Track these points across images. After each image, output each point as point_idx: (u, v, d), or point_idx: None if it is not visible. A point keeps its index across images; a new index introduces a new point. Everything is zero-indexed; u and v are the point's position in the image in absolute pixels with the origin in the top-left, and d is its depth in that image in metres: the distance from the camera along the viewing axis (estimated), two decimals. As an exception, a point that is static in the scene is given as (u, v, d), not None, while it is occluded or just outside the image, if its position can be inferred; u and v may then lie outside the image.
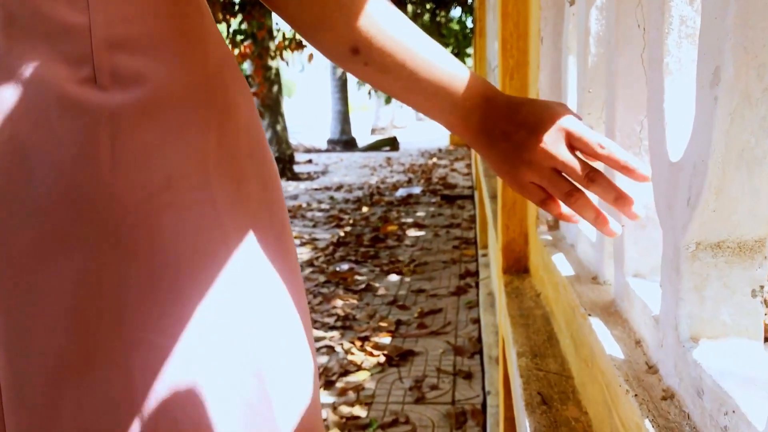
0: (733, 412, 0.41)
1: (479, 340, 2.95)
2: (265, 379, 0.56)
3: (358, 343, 2.98)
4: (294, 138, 14.24)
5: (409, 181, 8.32)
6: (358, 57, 0.62)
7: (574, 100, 1.04)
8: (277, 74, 9.36)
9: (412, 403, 2.42)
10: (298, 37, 8.72)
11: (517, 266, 1.35)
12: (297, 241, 5.02)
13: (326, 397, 2.50)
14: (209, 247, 0.53)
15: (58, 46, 0.49)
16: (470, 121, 0.65)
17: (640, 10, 0.70)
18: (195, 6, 0.57)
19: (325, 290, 3.81)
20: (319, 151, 13.88)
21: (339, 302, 3.57)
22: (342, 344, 2.99)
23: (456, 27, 12.92)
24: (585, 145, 0.61)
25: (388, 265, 4.31)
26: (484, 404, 2.38)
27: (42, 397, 0.50)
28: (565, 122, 0.61)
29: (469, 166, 9.39)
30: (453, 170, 9.34)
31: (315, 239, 5.16)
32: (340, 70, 13.47)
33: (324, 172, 9.85)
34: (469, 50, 12.68)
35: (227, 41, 8.12)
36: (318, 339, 3.04)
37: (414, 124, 24.26)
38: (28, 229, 0.49)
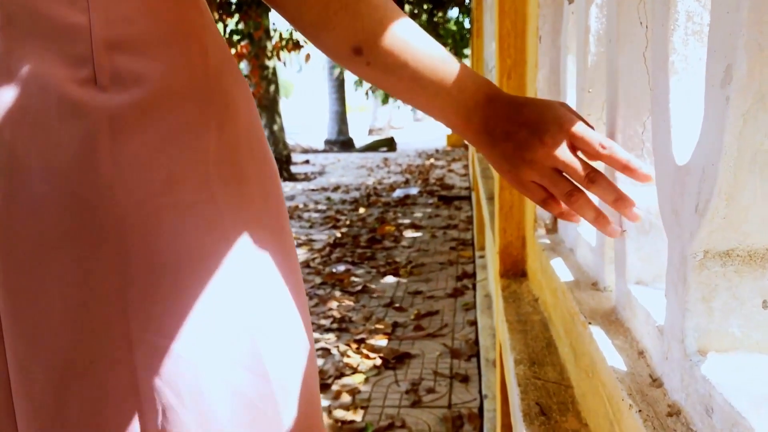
0: (746, 433, 0.38)
1: (476, 342, 2.93)
2: (269, 377, 0.56)
3: (354, 346, 2.95)
4: (291, 138, 14.21)
5: (407, 182, 8.29)
6: (360, 57, 0.62)
7: (573, 100, 1.02)
8: (274, 74, 9.34)
9: (408, 407, 2.40)
10: (295, 37, 8.71)
11: (514, 270, 1.33)
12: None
13: (321, 401, 2.47)
14: (210, 247, 0.53)
15: (58, 47, 0.49)
16: (472, 120, 0.66)
17: (643, 7, 0.67)
18: (194, 6, 0.56)
19: (321, 292, 3.79)
20: (316, 151, 13.86)
21: (335, 304, 3.54)
22: (338, 346, 2.96)
23: (453, 28, 12.90)
24: (586, 145, 0.61)
25: (384, 266, 4.28)
26: (480, 408, 2.35)
27: (49, 397, 0.50)
28: (567, 122, 0.62)
29: (466, 167, 9.37)
30: (450, 171, 9.32)
31: (311, 240, 5.14)
32: (337, 71, 13.45)
33: (321, 173, 9.82)
34: (467, 51, 12.66)
35: (225, 42, 8.11)
36: (314, 341, 3.01)
37: (411, 125, 24.25)
38: (29, 231, 0.49)
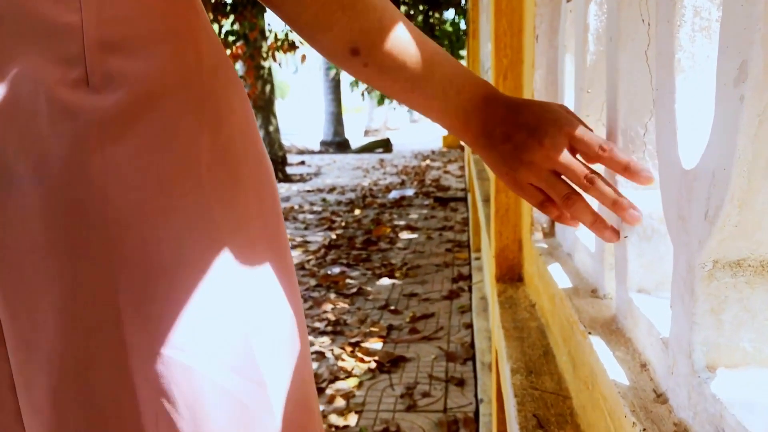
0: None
1: (472, 345, 2.90)
2: (265, 384, 0.55)
3: (349, 349, 2.92)
4: (287, 139, 14.19)
5: (402, 183, 8.27)
6: (357, 58, 0.62)
7: (572, 100, 0.99)
8: (270, 75, 9.30)
9: (403, 411, 2.37)
10: (290, 38, 8.68)
11: (510, 274, 1.30)
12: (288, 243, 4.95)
13: (315, 406, 2.44)
14: (203, 252, 0.52)
15: (50, 47, 0.48)
16: (470, 122, 0.65)
17: (645, 4, 0.65)
18: (189, 6, 0.55)
19: (315, 294, 3.75)
20: (311, 152, 13.82)
21: (330, 307, 3.51)
22: (332, 350, 2.93)
23: (449, 29, 12.88)
24: (586, 147, 0.61)
25: (380, 268, 4.25)
26: (476, 413, 2.32)
27: (47, 402, 0.50)
28: (566, 124, 0.61)
29: (462, 168, 9.35)
30: (446, 172, 9.30)
31: (306, 242, 5.10)
32: (333, 72, 13.42)
33: (317, 174, 9.79)
34: (463, 52, 12.64)
35: (220, 42, 8.09)
36: (309, 345, 2.97)
37: (407, 126, 24.24)
38: (19, 236, 0.48)
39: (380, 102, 16.11)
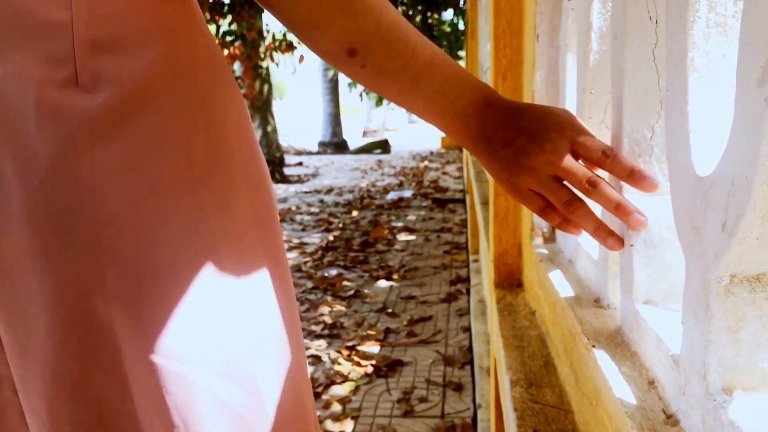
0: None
1: (470, 349, 2.86)
2: (261, 393, 0.54)
3: (346, 353, 2.88)
4: (284, 140, 14.15)
5: (400, 185, 8.23)
6: (354, 59, 0.60)
7: (573, 101, 0.96)
8: (267, 75, 9.26)
9: (400, 417, 2.33)
10: (288, 38, 8.66)
11: (510, 280, 1.27)
12: (285, 246, 4.91)
13: (311, 411, 2.40)
14: (197, 257, 0.51)
15: (38, 46, 0.47)
16: (470, 126, 0.64)
17: (653, 0, 0.61)
18: (184, 5, 0.54)
19: (312, 297, 3.72)
20: (309, 153, 13.79)
21: (326, 309, 3.48)
22: (329, 353, 2.89)
23: (447, 29, 12.85)
24: (589, 152, 0.60)
25: (377, 270, 4.22)
26: (474, 418, 2.29)
27: (43, 407, 0.49)
28: (568, 129, 0.60)
29: (460, 169, 9.32)
30: (444, 173, 9.27)
31: (303, 243, 5.07)
32: (331, 72, 13.38)
33: (314, 175, 9.75)
34: (461, 53, 12.62)
35: (216, 42, 8.07)
36: (305, 350, 2.94)
37: (406, 127, 24.22)
38: (8, 241, 0.48)
39: (378, 103, 16.08)
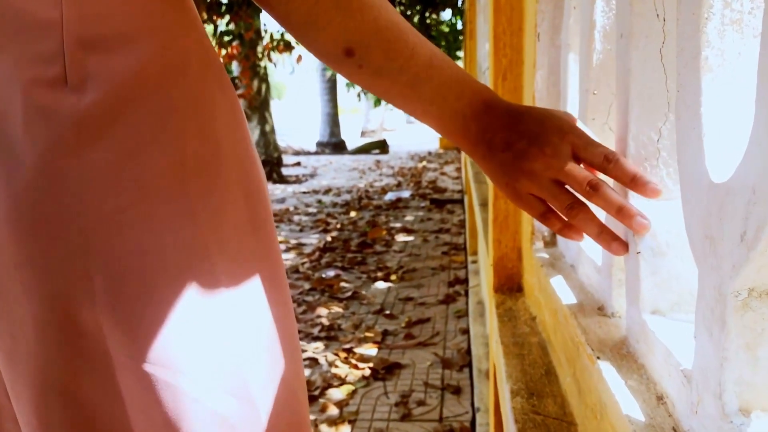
0: None
1: (468, 351, 2.84)
2: (255, 403, 0.52)
3: (343, 355, 2.86)
4: (283, 140, 14.11)
5: (399, 185, 8.20)
6: (352, 59, 0.59)
7: (576, 102, 0.93)
8: (265, 74, 9.23)
9: (397, 420, 2.30)
10: (286, 38, 8.62)
11: (509, 284, 1.24)
12: (282, 246, 4.90)
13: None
14: (188, 264, 0.49)
15: (28, 44, 0.46)
16: (469, 129, 0.63)
17: (660, -4, 0.59)
18: (177, 5, 0.53)
19: (309, 298, 3.69)
20: (307, 153, 13.76)
21: (324, 311, 3.45)
22: (326, 356, 2.86)
23: (446, 29, 12.83)
24: (590, 157, 0.58)
25: (375, 271, 4.19)
26: (473, 422, 2.26)
27: (33, 415, 0.48)
28: (570, 132, 0.59)
29: (458, 169, 9.30)
30: (443, 174, 9.24)
31: (301, 244, 5.04)
32: (329, 72, 13.36)
33: (312, 175, 9.72)
34: (459, 53, 12.60)
35: (214, 42, 8.08)
36: (301, 356, 2.91)
37: (404, 127, 24.20)
38: None
39: (377, 103, 16.06)
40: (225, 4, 7.55)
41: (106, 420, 0.47)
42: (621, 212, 0.57)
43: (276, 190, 8.11)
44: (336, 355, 2.87)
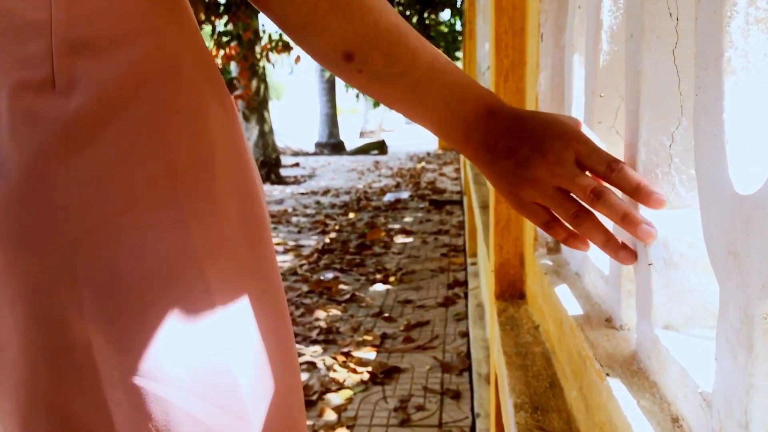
0: None
1: (468, 355, 2.81)
2: (249, 418, 0.51)
3: (341, 359, 2.83)
4: (281, 141, 14.09)
5: (397, 186, 8.17)
6: (351, 63, 0.57)
7: (581, 105, 0.90)
8: (264, 75, 9.20)
9: (396, 426, 2.28)
10: (284, 38, 8.59)
11: (511, 291, 1.21)
12: (280, 248, 4.87)
13: (305, 420, 2.35)
14: (179, 274, 0.48)
15: (15, 46, 0.45)
16: (471, 135, 0.61)
17: (674, -5, 0.56)
18: (171, 7, 0.51)
19: (307, 301, 3.66)
20: (306, 154, 13.73)
21: (322, 314, 3.42)
22: (324, 360, 2.83)
23: (444, 29, 12.80)
24: (594, 164, 0.57)
25: (374, 273, 4.16)
26: (473, 428, 2.23)
27: (17, 428, 0.47)
28: (574, 139, 0.57)
29: (458, 170, 9.27)
30: (442, 175, 9.21)
31: (299, 246, 5.01)
32: (328, 73, 13.33)
33: (311, 176, 9.69)
34: (458, 54, 12.58)
35: (212, 42, 8.06)
36: (299, 355, 2.88)
37: (403, 128, 24.17)
38: None
39: (376, 104, 16.04)
40: (223, 5, 7.53)
41: None
42: (626, 220, 0.55)
43: (274, 191, 8.08)
44: (334, 358, 2.84)
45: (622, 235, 0.62)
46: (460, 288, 3.78)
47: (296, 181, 9.03)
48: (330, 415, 2.36)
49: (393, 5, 9.52)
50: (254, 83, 8.92)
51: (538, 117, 0.60)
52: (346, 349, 2.93)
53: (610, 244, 0.58)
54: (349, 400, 2.47)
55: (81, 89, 0.45)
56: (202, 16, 6.99)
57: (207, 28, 7.89)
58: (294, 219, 6.12)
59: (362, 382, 2.62)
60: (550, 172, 0.57)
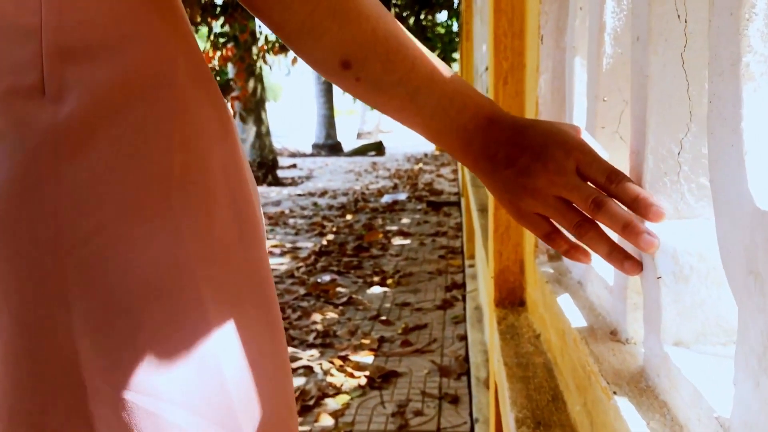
0: None
1: (466, 359, 2.79)
2: None
3: (338, 363, 2.80)
4: (278, 142, 14.08)
5: (395, 187, 8.15)
6: (349, 71, 0.57)
7: (582, 109, 0.88)
8: (260, 76, 9.18)
9: (394, 432, 2.25)
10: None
11: (511, 298, 1.18)
12: (277, 251, 4.84)
13: (301, 426, 2.32)
14: (172, 285, 0.46)
15: (5, 51, 0.44)
16: (471, 144, 0.60)
17: (682, -4, 0.53)
18: (166, 13, 0.50)
19: (305, 304, 3.64)
20: (303, 155, 13.72)
21: (319, 317, 3.39)
22: (321, 364, 2.81)
23: (441, 31, 12.79)
24: (593, 174, 0.56)
25: (371, 276, 4.14)
26: (472, 433, 2.21)
27: None
28: (576, 148, 0.56)
29: (455, 171, 9.25)
30: (439, 176, 9.20)
31: (296, 248, 4.98)
32: (325, 74, 13.29)
33: (308, 177, 9.67)
34: (455, 55, 12.57)
35: (209, 44, 8.03)
36: (295, 359, 2.85)
37: (400, 129, 24.16)
38: None
39: (373, 104, 15.98)
40: (220, 6, 7.50)
41: None
42: (627, 229, 0.54)
43: (271, 192, 8.06)
44: (331, 363, 2.81)
45: (627, 246, 0.60)
46: (458, 290, 3.76)
47: (293, 183, 9.01)
48: (327, 421, 2.33)
49: (389, 6, 9.51)
50: (251, 84, 8.89)
51: (539, 126, 0.59)
52: (343, 353, 2.90)
53: (614, 254, 0.57)
54: (347, 406, 2.44)
55: (71, 96, 0.44)
56: (199, 18, 6.96)
57: (203, 30, 7.87)
58: (291, 221, 6.10)
59: (360, 386, 2.60)
60: (551, 182, 0.56)
